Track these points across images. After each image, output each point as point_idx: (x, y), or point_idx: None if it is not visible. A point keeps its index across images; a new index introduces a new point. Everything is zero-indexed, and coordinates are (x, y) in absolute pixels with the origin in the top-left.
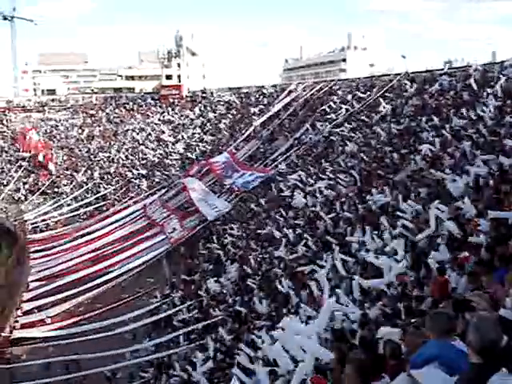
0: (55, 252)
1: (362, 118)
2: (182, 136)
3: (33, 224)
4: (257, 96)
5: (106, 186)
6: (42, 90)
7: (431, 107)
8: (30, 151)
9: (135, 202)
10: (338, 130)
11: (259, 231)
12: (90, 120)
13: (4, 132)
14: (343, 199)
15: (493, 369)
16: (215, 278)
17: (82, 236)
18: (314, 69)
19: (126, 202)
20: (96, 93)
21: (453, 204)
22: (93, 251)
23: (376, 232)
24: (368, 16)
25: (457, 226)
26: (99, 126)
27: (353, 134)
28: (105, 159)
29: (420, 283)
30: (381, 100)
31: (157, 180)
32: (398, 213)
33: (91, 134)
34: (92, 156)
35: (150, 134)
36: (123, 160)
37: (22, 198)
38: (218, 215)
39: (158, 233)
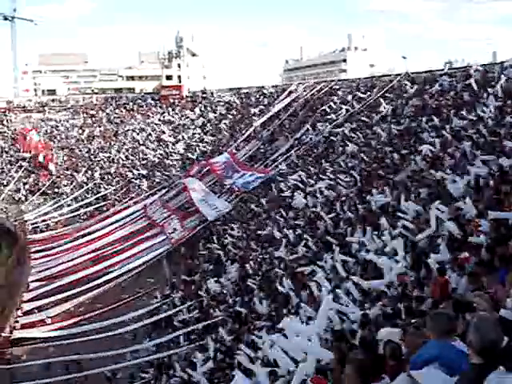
0: (55, 252)
1: (363, 118)
2: (183, 136)
3: (33, 224)
4: (257, 96)
5: (106, 187)
6: (43, 91)
7: (431, 108)
8: (30, 151)
9: (135, 203)
10: (338, 130)
11: (259, 232)
12: (91, 120)
13: (4, 132)
14: (343, 199)
15: (493, 369)
16: (215, 279)
17: (83, 236)
18: (314, 69)
19: (127, 202)
20: (96, 93)
21: (453, 204)
22: (93, 251)
23: (376, 232)
24: (368, 16)
25: (457, 227)
26: (99, 127)
27: (353, 135)
28: (105, 159)
29: (420, 283)
30: (381, 100)
31: (157, 180)
32: (399, 213)
33: (91, 135)
34: (92, 156)
35: (150, 134)
36: (123, 160)
37: (23, 198)
38: (218, 215)
39: (158, 233)
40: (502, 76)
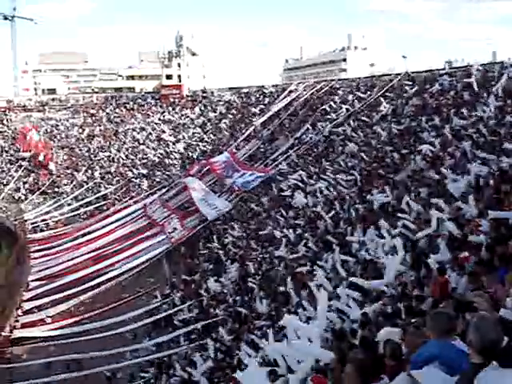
0: (55, 251)
1: (363, 117)
2: (183, 136)
3: (33, 223)
4: (257, 96)
5: (106, 186)
6: (43, 90)
7: (432, 107)
8: (30, 151)
9: (136, 202)
10: (338, 129)
11: (259, 231)
12: (91, 119)
13: (4, 132)
14: (343, 198)
15: None
16: (215, 278)
17: (83, 235)
18: (314, 69)
19: (127, 201)
20: (96, 92)
21: (453, 204)
22: (93, 251)
23: (376, 232)
24: (368, 16)
25: (457, 227)
26: (100, 126)
27: (353, 134)
28: (105, 159)
29: (420, 283)
30: (382, 100)
31: (157, 180)
32: (400, 213)
33: (92, 134)
34: (92, 155)
35: (150, 133)
36: (124, 159)
37: (22, 197)
38: (218, 215)
39: (158, 232)
40: (504, 75)
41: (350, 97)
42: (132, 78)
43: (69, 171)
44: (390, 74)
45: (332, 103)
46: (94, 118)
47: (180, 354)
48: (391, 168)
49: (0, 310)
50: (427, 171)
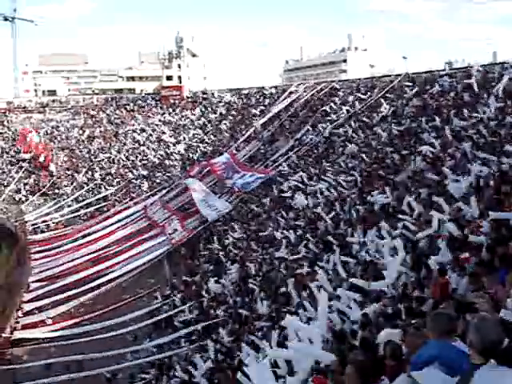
0: (56, 253)
1: (363, 118)
2: (183, 137)
3: (33, 225)
4: (257, 97)
5: (106, 187)
6: (43, 91)
7: (432, 108)
8: (30, 152)
9: (136, 203)
10: (338, 130)
11: (260, 232)
12: (91, 121)
13: (5, 133)
14: (344, 200)
15: None
16: (216, 279)
17: (83, 237)
18: (314, 69)
19: (127, 202)
20: (97, 94)
21: (454, 205)
22: (93, 252)
23: (377, 233)
24: (368, 16)
25: (457, 228)
26: (100, 127)
27: (354, 135)
28: (105, 160)
29: (420, 284)
30: (382, 101)
31: (158, 181)
32: (401, 214)
33: (92, 135)
34: (93, 157)
35: (150, 134)
36: (124, 161)
37: (23, 198)
38: (218, 216)
39: (158, 234)
40: (505, 76)
41: (351, 98)
42: (132, 79)
43: (69, 172)
44: (390, 75)
45: (332, 104)
46: (94, 119)
47: (180, 355)
48: (391, 169)
49: (0, 310)
50: (427, 172)
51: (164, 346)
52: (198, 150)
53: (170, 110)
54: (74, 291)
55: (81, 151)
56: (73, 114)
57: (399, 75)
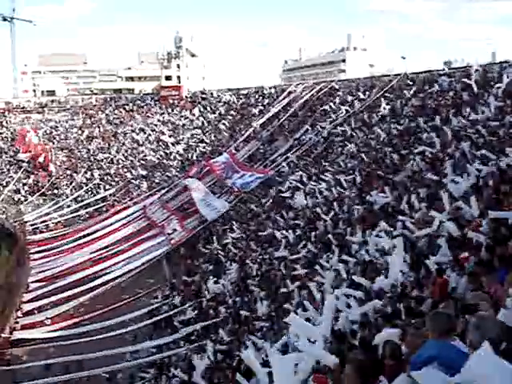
0: (55, 253)
1: (362, 118)
2: (182, 137)
3: (33, 225)
4: (256, 97)
5: (105, 187)
6: (42, 91)
7: (431, 108)
8: (29, 151)
9: (135, 203)
10: (337, 130)
11: (259, 232)
12: (90, 121)
13: (3, 133)
14: (343, 199)
15: None
16: (215, 279)
17: (82, 237)
18: (313, 69)
19: (126, 202)
20: (96, 94)
21: (453, 204)
22: (93, 252)
23: (376, 232)
24: (368, 16)
25: (457, 227)
26: (99, 127)
27: (353, 135)
28: (104, 160)
29: (419, 284)
30: (381, 100)
31: (157, 181)
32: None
33: (91, 135)
34: (92, 157)
35: (149, 134)
36: (123, 161)
37: (22, 199)
38: (217, 216)
39: (157, 234)
40: (504, 76)
41: (350, 98)
42: (131, 79)
43: (68, 173)
44: (390, 75)
45: (331, 104)
46: (93, 119)
47: (180, 355)
48: (391, 169)
49: (0, 310)
50: (427, 172)
51: (163, 346)
52: (197, 149)
53: (169, 110)
54: (73, 291)
55: (80, 151)
56: (72, 114)
57: (398, 75)
